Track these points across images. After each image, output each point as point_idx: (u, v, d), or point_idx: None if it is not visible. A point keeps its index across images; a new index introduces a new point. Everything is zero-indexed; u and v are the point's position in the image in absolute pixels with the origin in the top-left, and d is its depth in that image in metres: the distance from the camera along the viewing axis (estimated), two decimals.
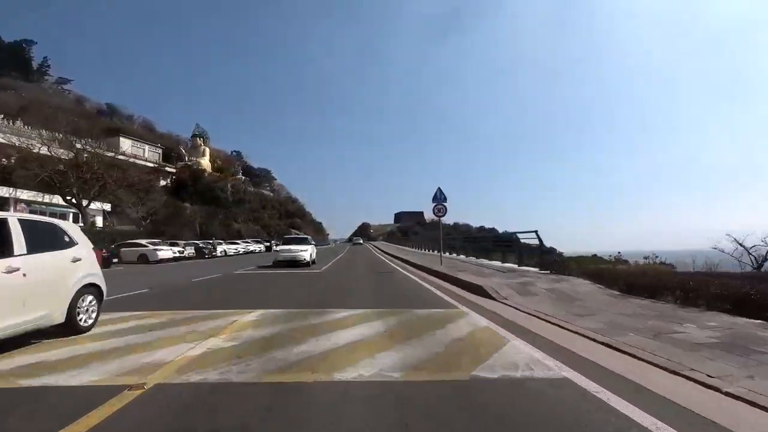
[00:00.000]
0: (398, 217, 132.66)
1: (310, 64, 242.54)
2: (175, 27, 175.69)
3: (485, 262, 16.35)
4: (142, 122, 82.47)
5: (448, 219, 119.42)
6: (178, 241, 29.77)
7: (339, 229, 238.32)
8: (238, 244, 39.89)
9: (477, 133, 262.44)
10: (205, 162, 70.30)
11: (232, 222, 49.39)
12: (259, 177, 76.91)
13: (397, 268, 18.36)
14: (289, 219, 68.73)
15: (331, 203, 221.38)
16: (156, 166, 56.27)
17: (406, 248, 45.51)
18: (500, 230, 47.36)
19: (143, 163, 57.65)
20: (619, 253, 15.32)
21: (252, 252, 40.50)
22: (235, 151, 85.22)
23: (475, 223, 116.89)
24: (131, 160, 59.16)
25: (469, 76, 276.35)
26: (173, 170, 60.02)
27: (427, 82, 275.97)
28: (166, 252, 25.09)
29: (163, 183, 59.25)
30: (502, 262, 15.01)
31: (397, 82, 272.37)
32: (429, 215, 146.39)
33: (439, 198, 15.24)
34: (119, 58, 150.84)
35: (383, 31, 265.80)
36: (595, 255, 17.33)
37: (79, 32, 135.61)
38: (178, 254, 26.95)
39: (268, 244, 46.82)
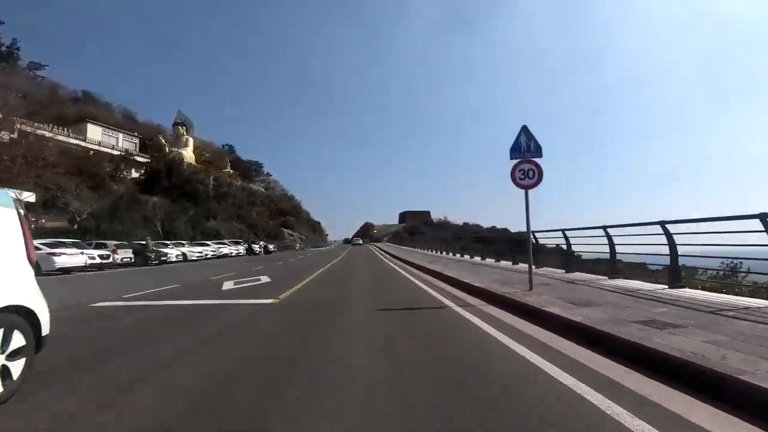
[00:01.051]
0: (403, 216, 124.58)
1: (312, 63, 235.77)
2: (175, 26, 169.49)
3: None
4: (123, 111, 75.40)
5: (458, 219, 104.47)
6: (107, 242, 21.85)
7: (340, 229, 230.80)
8: (206, 245, 31.95)
9: (486, 131, 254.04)
10: (188, 153, 62.62)
11: (204, 219, 41.44)
12: (250, 170, 69.12)
13: (421, 286, 10.35)
14: (281, 217, 60.93)
15: (333, 204, 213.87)
16: (123, 154, 48.53)
17: (416, 250, 37.44)
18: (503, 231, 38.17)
19: (109, 151, 50.09)
20: None
21: (226, 255, 32.58)
22: (227, 144, 77.63)
23: (485, 223, 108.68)
24: (97, 147, 51.89)
25: (479, 73, 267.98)
26: (145, 160, 52.34)
27: (432, 80, 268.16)
28: (73, 257, 17.15)
29: (136, 174, 51.63)
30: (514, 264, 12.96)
31: (400, 80, 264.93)
32: (435, 214, 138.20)
33: (525, 148, 6.90)
34: (123, 57, 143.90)
35: (386, 29, 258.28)
36: None
37: (75, 25, 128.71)
38: (100, 260, 19.06)
39: (249, 245, 38.91)
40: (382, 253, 36.14)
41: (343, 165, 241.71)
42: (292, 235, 58.51)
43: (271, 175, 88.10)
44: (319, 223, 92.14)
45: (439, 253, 27.00)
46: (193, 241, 34.48)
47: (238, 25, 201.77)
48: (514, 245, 15.42)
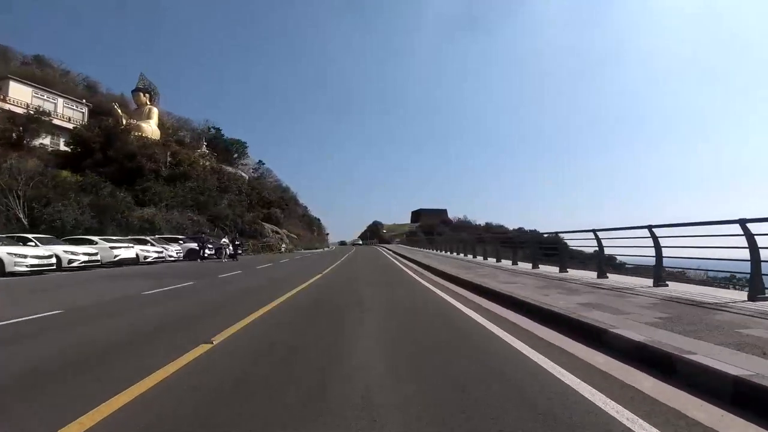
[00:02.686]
0: (417, 215, 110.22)
1: (323, 61, 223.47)
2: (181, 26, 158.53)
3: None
4: (85, 82, 62.65)
5: (480, 219, 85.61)
6: None
7: (346, 229, 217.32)
8: (93, 242, 18.16)
9: (506, 131, 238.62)
10: (150, 127, 49.33)
11: (123, 207, 27.45)
12: (230, 152, 55.41)
13: None
14: (266, 209, 47.14)
15: (338, 202, 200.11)
16: (31, 114, 35.13)
17: (440, 253, 23.59)
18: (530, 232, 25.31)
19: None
20: None
21: (151, 261, 18.77)
22: (212, 126, 63.82)
23: (509, 224, 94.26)
24: (19, 110, 38.77)
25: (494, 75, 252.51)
26: (69, 126, 39.04)
27: (447, 79, 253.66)
28: None
29: (66, 148, 38.24)
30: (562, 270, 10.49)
31: (416, 79, 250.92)
32: (454, 213, 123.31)
33: None
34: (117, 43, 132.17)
35: (402, 29, 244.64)
36: None
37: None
38: None
39: (197, 245, 25.15)
40: (398, 257, 22.42)
41: (351, 163, 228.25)
42: (277, 233, 44.78)
43: (264, 164, 74.79)
44: (318, 220, 78.60)
45: (462, 255, 22.97)
46: (112, 236, 21.02)
47: (252, 22, 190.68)
48: (549, 248, 13.89)
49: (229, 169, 49.04)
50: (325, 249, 51.19)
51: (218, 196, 39.60)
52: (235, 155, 56.96)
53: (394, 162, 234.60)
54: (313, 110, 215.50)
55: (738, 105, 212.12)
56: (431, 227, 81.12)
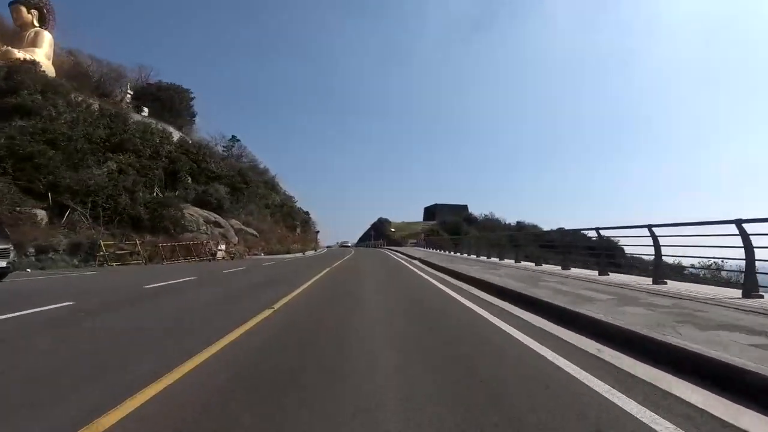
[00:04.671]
0: (431, 211, 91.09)
1: (328, 60, 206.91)
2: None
3: None
4: None
5: (510, 218, 71.31)
6: None
7: (348, 229, 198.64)
8: None
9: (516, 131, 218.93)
10: (41, 56, 31.42)
11: None
12: (164, 101, 36.54)
13: None
14: (204, 185, 28.37)
15: (338, 201, 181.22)
16: None
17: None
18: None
19: None
20: None
21: None
22: (148, 75, 45.39)
23: (544, 223, 75.65)
24: None
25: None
26: None
27: (460, 68, 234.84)
28: None
29: None
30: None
31: (418, 77, 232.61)
32: (479, 210, 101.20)
33: None
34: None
35: (408, 29, 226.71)
36: None
37: None
38: None
39: None
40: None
41: (357, 158, 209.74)
42: (218, 226, 26.13)
43: (238, 140, 56.37)
44: (307, 213, 59.59)
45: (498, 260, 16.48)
46: None
47: (254, 21, 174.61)
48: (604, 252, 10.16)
49: (137, 116, 30.38)
50: (307, 254, 32.69)
51: (89, 151, 21.04)
52: (176, 104, 37.92)
53: (399, 157, 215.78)
54: (313, 110, 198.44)
55: None
56: (456, 226, 62.16)
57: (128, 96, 37.47)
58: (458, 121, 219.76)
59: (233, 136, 56.51)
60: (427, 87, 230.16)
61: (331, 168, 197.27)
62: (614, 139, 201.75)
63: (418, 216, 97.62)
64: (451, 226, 64.05)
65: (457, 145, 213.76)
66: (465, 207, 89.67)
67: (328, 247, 76.28)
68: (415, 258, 21.20)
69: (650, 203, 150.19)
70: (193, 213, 25.20)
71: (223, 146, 55.75)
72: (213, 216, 26.60)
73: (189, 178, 27.46)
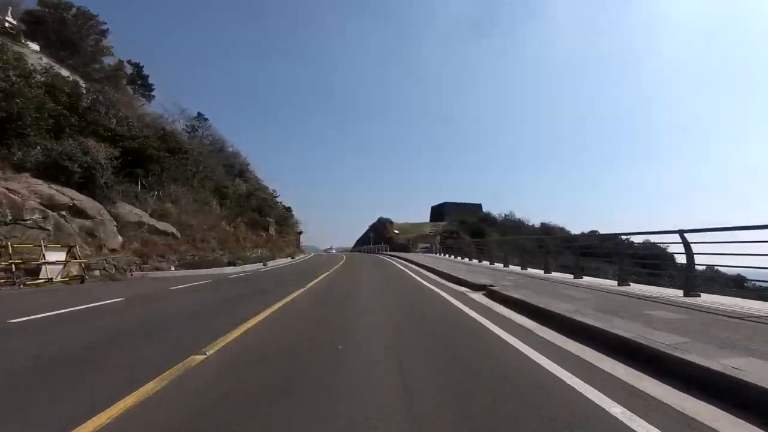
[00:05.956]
0: (438, 210, 78.36)
1: (328, 63, 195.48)
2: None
3: None
4: None
5: (534, 219, 66.78)
6: None
7: (348, 230, 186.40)
8: None
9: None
10: None
11: None
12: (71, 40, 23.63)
13: None
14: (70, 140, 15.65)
15: (342, 200, 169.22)
16: None
17: None
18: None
19: None
20: None
21: None
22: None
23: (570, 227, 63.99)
24: None
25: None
26: None
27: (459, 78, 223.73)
28: None
29: None
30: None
31: (421, 75, 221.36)
32: (496, 208, 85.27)
33: None
34: None
35: (408, 29, 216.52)
36: None
37: None
38: None
39: None
40: None
41: (358, 155, 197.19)
42: (80, 214, 13.53)
43: (206, 119, 43.65)
44: (289, 210, 46.29)
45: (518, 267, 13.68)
46: None
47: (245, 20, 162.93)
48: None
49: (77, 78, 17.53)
50: (272, 264, 20.00)
51: None
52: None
53: (400, 156, 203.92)
54: (313, 111, 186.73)
55: None
56: (477, 227, 49.36)
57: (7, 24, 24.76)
58: (458, 121, 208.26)
59: (199, 113, 44.01)
60: (427, 87, 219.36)
61: (331, 168, 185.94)
62: (614, 139, 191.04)
63: (422, 217, 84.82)
64: (469, 226, 51.26)
65: (457, 145, 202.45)
66: (479, 206, 77.15)
67: (326, 251, 63.31)
68: (460, 279, 8.95)
69: (652, 204, 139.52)
70: (18, 189, 12.36)
71: (186, 124, 43.35)
72: (70, 196, 13.75)
73: (33, 127, 14.62)
